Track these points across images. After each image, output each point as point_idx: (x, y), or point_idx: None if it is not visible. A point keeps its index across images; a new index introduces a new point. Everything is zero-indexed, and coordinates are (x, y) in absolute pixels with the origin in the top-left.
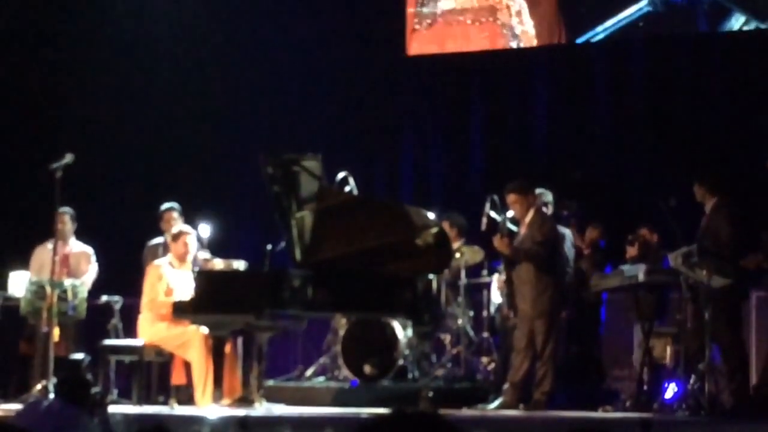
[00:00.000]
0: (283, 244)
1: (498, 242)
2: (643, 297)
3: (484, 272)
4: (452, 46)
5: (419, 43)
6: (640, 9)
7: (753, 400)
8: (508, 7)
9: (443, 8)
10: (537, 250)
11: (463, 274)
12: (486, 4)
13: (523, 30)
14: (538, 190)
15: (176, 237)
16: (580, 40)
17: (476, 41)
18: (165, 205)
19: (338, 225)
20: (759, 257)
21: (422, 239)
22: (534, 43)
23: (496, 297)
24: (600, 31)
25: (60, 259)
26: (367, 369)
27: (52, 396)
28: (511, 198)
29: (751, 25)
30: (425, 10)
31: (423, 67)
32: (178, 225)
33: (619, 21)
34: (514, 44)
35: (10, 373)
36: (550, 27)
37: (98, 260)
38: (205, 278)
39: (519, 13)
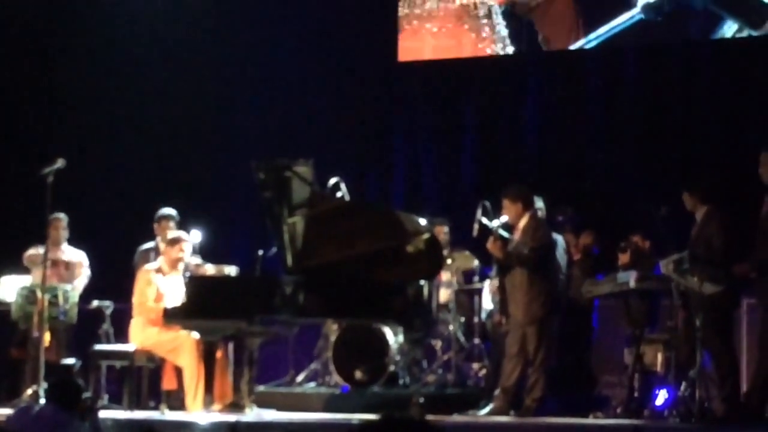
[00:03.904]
0: (274, 249)
1: (491, 245)
2: (634, 303)
3: (476, 278)
4: (423, 55)
5: (404, 45)
6: (633, 17)
7: (743, 407)
8: (476, 7)
9: (410, 16)
10: (530, 255)
11: (455, 280)
12: (453, 8)
13: (494, 31)
14: None
15: (174, 242)
16: (573, 47)
17: (446, 47)
18: (163, 211)
19: (330, 231)
20: (746, 267)
21: (413, 245)
22: (507, 42)
23: (487, 303)
24: (593, 39)
25: (52, 264)
26: (358, 375)
27: (42, 401)
28: (505, 203)
29: (744, 33)
30: (403, 13)
31: (415, 73)
32: (173, 231)
33: (612, 29)
34: (481, 45)
35: (0, 378)
36: (569, 28)
37: (90, 265)
38: (196, 284)
39: (488, 15)
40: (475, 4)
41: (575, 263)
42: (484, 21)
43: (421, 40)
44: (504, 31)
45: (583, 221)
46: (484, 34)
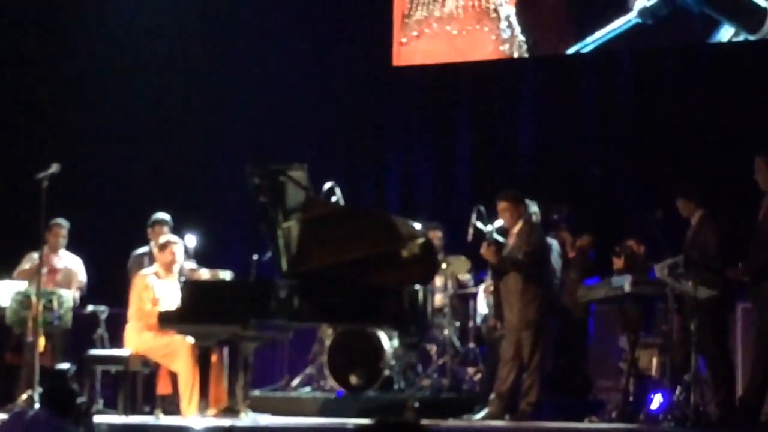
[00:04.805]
0: (269, 254)
1: (485, 250)
2: (629, 308)
3: (471, 283)
4: (441, 58)
5: (407, 56)
6: (629, 21)
7: (738, 412)
8: (496, 11)
9: (429, 19)
10: (524, 260)
11: (449, 284)
12: (473, 11)
13: (513, 34)
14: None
15: (163, 246)
16: (570, 51)
17: (464, 50)
18: (157, 216)
19: (325, 235)
20: (740, 270)
21: (408, 250)
22: (523, 47)
23: (482, 307)
24: (589, 43)
25: (50, 269)
26: (353, 379)
27: (37, 406)
28: (501, 206)
29: (740, 37)
30: (411, 21)
31: (410, 77)
32: (165, 235)
33: (608, 33)
34: (503, 48)
35: None
36: (557, 33)
37: (85, 270)
38: (191, 288)
39: (508, 18)
40: (495, 8)
41: (571, 262)
42: (504, 24)
43: (441, 43)
44: (522, 36)
45: (579, 221)
46: (504, 36)
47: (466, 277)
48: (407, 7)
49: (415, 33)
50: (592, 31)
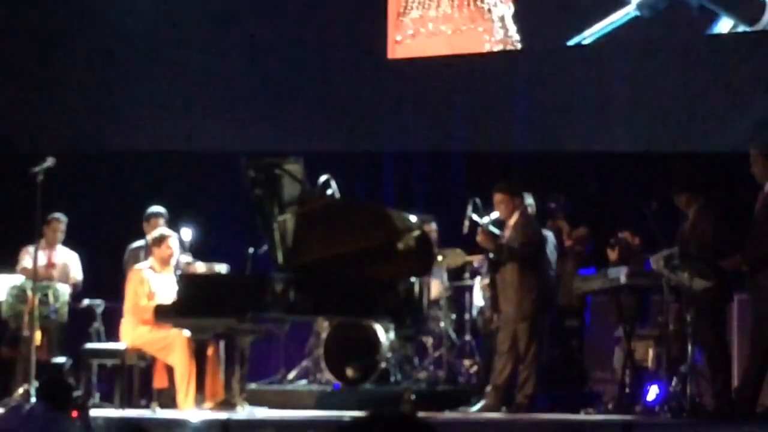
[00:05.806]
0: (265, 247)
1: (481, 238)
2: (624, 299)
3: (467, 275)
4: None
5: (403, 54)
6: (628, 14)
7: (735, 403)
8: (490, 11)
9: (425, 18)
10: (520, 251)
11: (445, 276)
12: (468, 11)
13: (507, 35)
14: None
15: (160, 241)
16: (570, 44)
17: (459, 50)
18: (152, 210)
19: (320, 228)
20: (737, 259)
21: (404, 242)
22: (518, 47)
23: (478, 300)
24: (587, 36)
25: (47, 264)
26: (350, 372)
27: (33, 400)
28: (498, 198)
29: (739, 29)
30: (407, 19)
31: (405, 70)
32: (159, 229)
33: (607, 26)
34: (497, 49)
35: None
36: (556, 27)
37: (80, 264)
38: (187, 282)
39: (502, 18)
40: (489, 9)
41: (567, 251)
42: (498, 24)
43: (436, 42)
44: (517, 36)
45: (574, 213)
46: (497, 37)
47: (464, 261)
48: (402, 6)
49: (410, 32)
50: (590, 24)
